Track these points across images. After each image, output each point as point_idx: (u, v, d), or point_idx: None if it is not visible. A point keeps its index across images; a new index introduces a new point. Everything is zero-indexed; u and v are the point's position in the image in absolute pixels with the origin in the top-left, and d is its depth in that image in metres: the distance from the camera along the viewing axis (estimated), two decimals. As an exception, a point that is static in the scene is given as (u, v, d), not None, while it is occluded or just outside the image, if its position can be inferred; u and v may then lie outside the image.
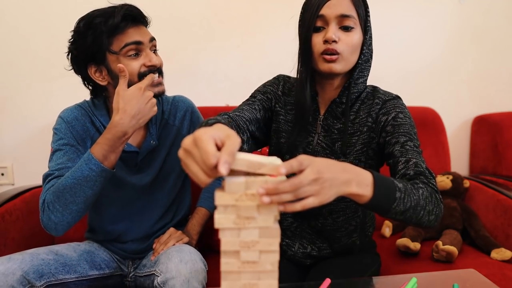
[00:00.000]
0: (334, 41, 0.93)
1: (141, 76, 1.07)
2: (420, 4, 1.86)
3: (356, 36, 0.95)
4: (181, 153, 0.58)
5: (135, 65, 1.06)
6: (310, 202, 0.60)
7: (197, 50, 1.76)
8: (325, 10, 0.93)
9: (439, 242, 1.30)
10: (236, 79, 1.79)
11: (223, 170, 0.53)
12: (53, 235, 1.05)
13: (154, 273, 1.05)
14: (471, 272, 0.97)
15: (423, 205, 0.80)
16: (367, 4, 0.99)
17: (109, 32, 1.03)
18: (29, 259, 1.01)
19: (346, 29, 0.94)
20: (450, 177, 1.61)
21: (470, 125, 1.97)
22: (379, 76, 1.87)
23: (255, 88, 1.15)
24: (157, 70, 1.10)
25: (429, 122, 1.76)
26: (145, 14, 1.10)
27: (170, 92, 1.30)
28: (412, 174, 0.87)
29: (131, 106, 0.99)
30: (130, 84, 1.05)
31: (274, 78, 1.13)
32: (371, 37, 1.01)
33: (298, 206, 0.59)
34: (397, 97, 1.04)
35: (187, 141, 0.57)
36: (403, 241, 1.36)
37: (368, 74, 1.03)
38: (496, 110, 1.93)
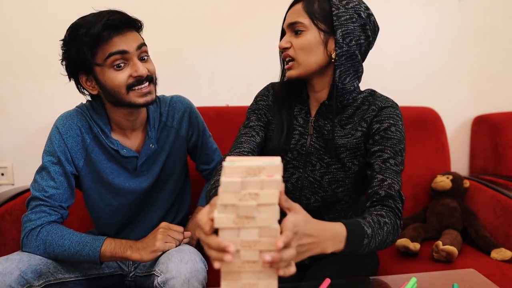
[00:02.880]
0: (286, 48, 1.00)
1: (129, 87, 1.03)
2: (420, 4, 1.86)
3: (306, 37, 0.98)
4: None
5: (121, 77, 1.02)
6: (293, 271, 0.62)
7: (197, 50, 1.76)
8: (284, 24, 1.02)
9: (439, 242, 1.30)
10: (236, 79, 1.79)
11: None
12: None
13: (154, 273, 1.04)
14: (471, 272, 0.97)
15: (385, 240, 0.86)
16: (331, 4, 0.96)
17: (91, 43, 0.98)
18: (27, 259, 1.01)
19: (296, 33, 0.99)
20: (450, 177, 1.61)
21: (470, 125, 1.97)
22: (379, 76, 1.88)
23: (256, 88, 1.16)
24: (146, 78, 1.05)
25: (429, 122, 1.76)
26: (135, 17, 1.05)
27: (170, 92, 1.30)
28: (382, 195, 0.92)
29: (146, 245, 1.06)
30: (117, 96, 1.03)
31: (264, 88, 1.15)
32: (349, 33, 0.96)
33: (287, 272, 0.62)
34: (394, 105, 1.03)
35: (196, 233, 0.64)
36: (403, 241, 1.36)
37: (356, 71, 1.01)
38: (496, 110, 1.93)
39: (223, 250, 0.58)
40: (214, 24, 1.75)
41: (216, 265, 0.59)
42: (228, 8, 1.75)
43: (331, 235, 0.74)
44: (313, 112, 1.07)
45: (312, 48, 0.98)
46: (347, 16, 0.97)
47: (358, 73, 1.02)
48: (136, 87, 1.03)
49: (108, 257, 1.04)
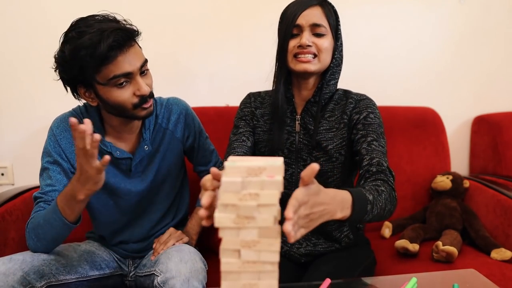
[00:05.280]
0: (309, 45, 1.05)
1: (136, 107, 1.04)
2: (420, 4, 1.86)
3: (327, 41, 1.07)
4: None
5: (126, 95, 1.02)
6: (303, 233, 0.66)
7: (197, 50, 1.76)
8: (300, 20, 1.06)
9: (439, 243, 1.30)
10: (236, 79, 1.79)
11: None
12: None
13: (154, 273, 1.05)
14: (471, 272, 0.97)
15: (384, 207, 0.90)
16: (337, 15, 1.11)
17: (95, 65, 0.97)
18: (30, 260, 1.01)
19: (318, 35, 1.06)
20: (450, 177, 1.61)
21: (470, 125, 1.97)
22: (379, 76, 1.88)
23: (256, 88, 1.19)
24: (149, 95, 1.06)
25: (429, 122, 1.76)
26: (133, 28, 1.03)
27: (169, 93, 1.30)
28: (374, 171, 0.98)
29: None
30: (120, 110, 1.03)
31: (245, 97, 1.23)
32: (342, 44, 1.12)
33: (292, 240, 0.63)
34: (369, 98, 1.14)
35: None
36: (402, 242, 1.36)
37: (338, 77, 1.14)
38: (496, 110, 1.93)
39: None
40: (214, 24, 1.75)
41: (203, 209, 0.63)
42: (228, 8, 1.75)
43: (339, 201, 0.76)
44: (299, 111, 1.14)
45: (330, 51, 1.09)
46: (341, 29, 1.11)
47: (338, 79, 1.14)
48: (142, 105, 1.05)
49: (67, 207, 0.97)
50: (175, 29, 1.74)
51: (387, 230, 1.57)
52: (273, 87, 1.14)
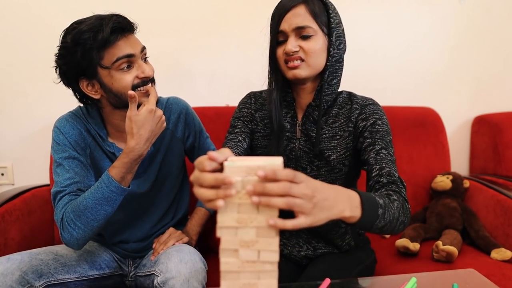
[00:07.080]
0: (295, 51, 0.97)
1: (134, 88, 1.04)
2: (420, 5, 1.86)
3: (316, 42, 0.98)
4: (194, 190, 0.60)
5: (128, 78, 1.03)
6: (302, 222, 0.60)
7: (197, 51, 1.76)
8: (283, 25, 0.99)
9: (439, 242, 1.30)
10: (236, 79, 1.79)
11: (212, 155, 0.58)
12: (75, 249, 1.06)
13: (154, 273, 1.05)
14: (471, 272, 0.97)
15: (397, 217, 0.84)
16: (328, 7, 1.00)
17: (99, 47, 0.99)
18: (28, 259, 1.01)
19: (305, 37, 0.98)
20: (450, 177, 1.61)
21: (470, 125, 1.97)
22: (379, 76, 1.88)
23: (256, 88, 1.16)
24: (150, 80, 1.07)
25: (429, 122, 1.76)
26: (132, 20, 1.05)
27: (169, 92, 1.30)
28: (385, 182, 0.92)
29: (145, 130, 1.00)
30: (123, 97, 1.03)
31: (245, 97, 1.16)
32: (339, 36, 1.01)
33: (289, 224, 0.58)
34: (375, 102, 1.06)
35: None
36: (402, 241, 1.36)
37: (341, 74, 1.05)
38: (496, 110, 1.93)
39: (222, 183, 0.56)
40: (214, 24, 1.75)
41: (220, 203, 0.56)
42: (228, 8, 1.75)
43: (346, 197, 0.70)
44: (300, 116, 1.08)
45: (321, 52, 1.00)
46: (338, 20, 1.02)
47: (340, 76, 1.05)
48: (141, 88, 1.05)
49: (123, 176, 1.02)
50: (175, 29, 1.74)
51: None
52: (267, 96, 1.08)
